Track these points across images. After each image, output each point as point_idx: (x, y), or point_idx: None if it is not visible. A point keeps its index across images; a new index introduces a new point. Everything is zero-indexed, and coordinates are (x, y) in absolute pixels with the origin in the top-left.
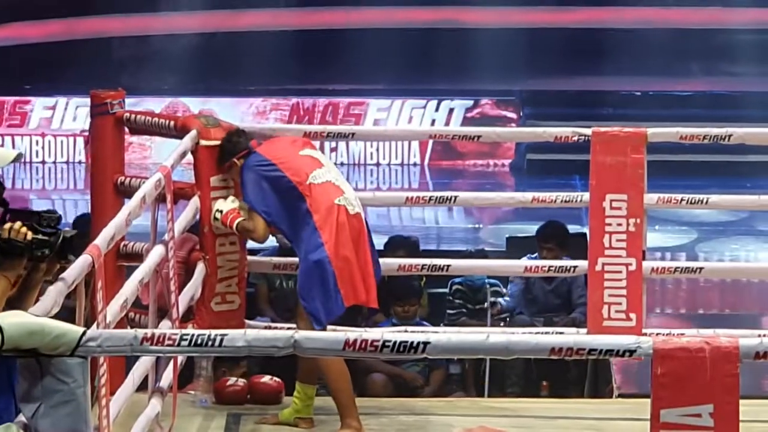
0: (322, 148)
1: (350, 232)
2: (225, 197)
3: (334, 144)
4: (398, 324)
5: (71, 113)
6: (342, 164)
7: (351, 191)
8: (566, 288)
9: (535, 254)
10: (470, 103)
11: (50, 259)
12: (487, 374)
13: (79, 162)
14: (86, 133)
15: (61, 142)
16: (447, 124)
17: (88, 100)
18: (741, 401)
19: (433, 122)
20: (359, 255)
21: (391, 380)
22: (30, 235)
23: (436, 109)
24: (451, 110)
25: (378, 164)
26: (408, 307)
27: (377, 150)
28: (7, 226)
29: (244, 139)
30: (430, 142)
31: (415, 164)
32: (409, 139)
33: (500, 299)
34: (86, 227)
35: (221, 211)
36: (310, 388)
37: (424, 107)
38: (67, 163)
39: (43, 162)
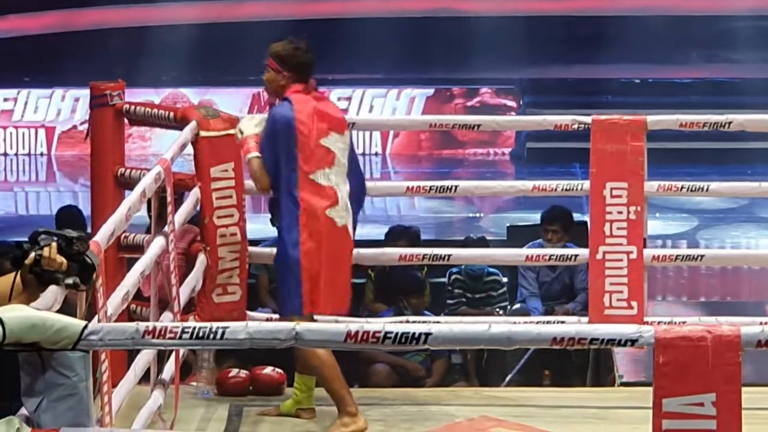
0: None
1: (330, 245)
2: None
3: None
4: (405, 314)
5: (32, 105)
6: None
7: (346, 196)
8: (570, 274)
9: (537, 241)
10: (431, 91)
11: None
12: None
13: (41, 154)
14: (86, 125)
15: (23, 134)
16: (408, 113)
17: (49, 92)
18: (744, 389)
19: (393, 111)
20: (335, 267)
21: (393, 370)
22: (65, 265)
23: (397, 98)
24: (413, 98)
25: None
26: (423, 299)
27: None
28: (46, 253)
29: (307, 71)
30: (391, 132)
31: (376, 154)
32: (408, 129)
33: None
34: (70, 220)
35: (242, 132)
36: (310, 379)
37: (385, 96)
38: (28, 155)
39: (5, 154)
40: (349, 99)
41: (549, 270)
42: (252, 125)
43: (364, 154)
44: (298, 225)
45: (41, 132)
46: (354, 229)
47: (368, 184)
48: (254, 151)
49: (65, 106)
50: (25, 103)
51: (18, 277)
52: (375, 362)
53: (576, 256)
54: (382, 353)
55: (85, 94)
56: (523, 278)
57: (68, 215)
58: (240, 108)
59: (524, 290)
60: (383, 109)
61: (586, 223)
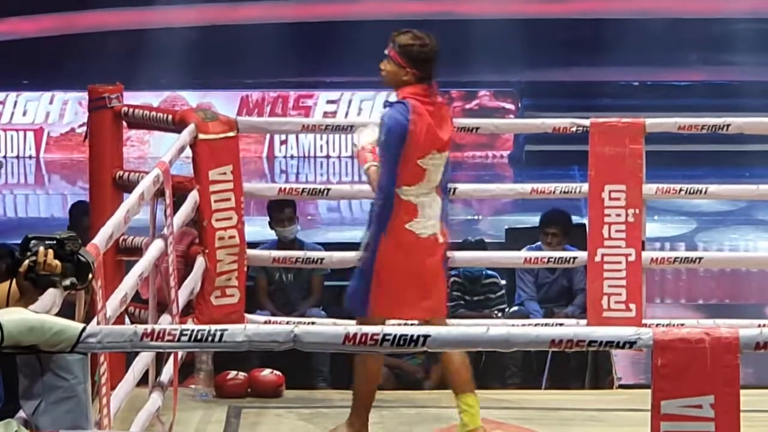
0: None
1: (410, 255)
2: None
3: (284, 136)
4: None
5: (21, 108)
6: (292, 157)
7: (431, 209)
8: (568, 277)
9: (536, 244)
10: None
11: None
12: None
13: (30, 157)
14: (84, 128)
15: (11, 136)
16: None
17: (38, 95)
18: (743, 391)
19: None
20: (418, 276)
21: (391, 372)
22: (60, 268)
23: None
24: None
25: (328, 156)
26: None
27: (327, 143)
28: (41, 258)
29: (432, 70)
30: None
31: (350, 157)
32: None
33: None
34: (81, 216)
35: (356, 144)
36: (469, 396)
37: (373, 99)
38: (17, 158)
39: None
40: (336, 102)
41: (548, 272)
42: (364, 136)
43: (340, 157)
44: (382, 232)
45: (30, 135)
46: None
47: (365, 186)
48: (369, 161)
49: (54, 109)
50: (14, 106)
51: (14, 285)
52: (394, 368)
53: (574, 258)
54: (402, 360)
55: (74, 97)
56: (521, 281)
57: (80, 211)
58: (239, 110)
59: (522, 293)
60: (371, 112)
61: (584, 225)
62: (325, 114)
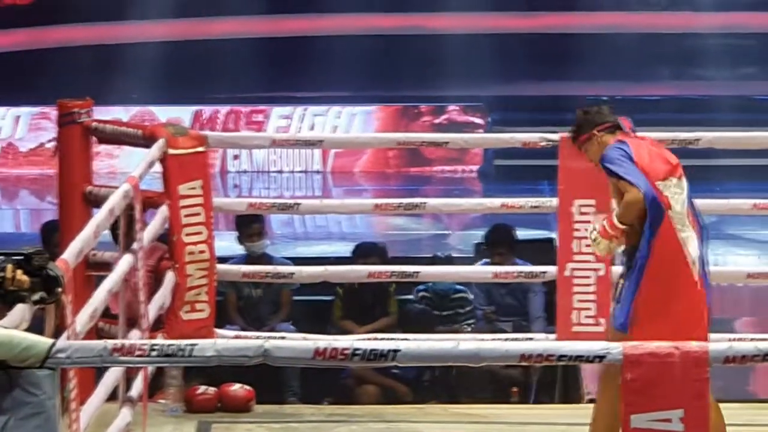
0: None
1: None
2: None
3: (237, 151)
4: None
5: None
6: (245, 172)
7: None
8: (522, 290)
9: (484, 260)
10: (371, 108)
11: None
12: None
13: None
14: (54, 143)
15: None
16: (349, 130)
17: (5, 110)
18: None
19: (334, 129)
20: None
21: (383, 392)
22: (28, 283)
23: (338, 116)
24: (353, 116)
25: (281, 171)
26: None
27: (280, 157)
28: (8, 274)
29: (608, 113)
30: (332, 151)
31: (317, 171)
32: (376, 146)
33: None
34: (52, 233)
35: (596, 229)
36: None
37: (326, 114)
38: None
39: None
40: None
41: (500, 286)
42: (598, 221)
43: (305, 172)
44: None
45: None
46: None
47: (335, 202)
48: (612, 215)
49: (6, 125)
50: None
51: None
52: (365, 383)
53: (544, 273)
54: (373, 374)
55: (26, 112)
56: (475, 295)
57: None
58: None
59: (479, 310)
60: (324, 127)
61: (552, 240)
62: (277, 129)
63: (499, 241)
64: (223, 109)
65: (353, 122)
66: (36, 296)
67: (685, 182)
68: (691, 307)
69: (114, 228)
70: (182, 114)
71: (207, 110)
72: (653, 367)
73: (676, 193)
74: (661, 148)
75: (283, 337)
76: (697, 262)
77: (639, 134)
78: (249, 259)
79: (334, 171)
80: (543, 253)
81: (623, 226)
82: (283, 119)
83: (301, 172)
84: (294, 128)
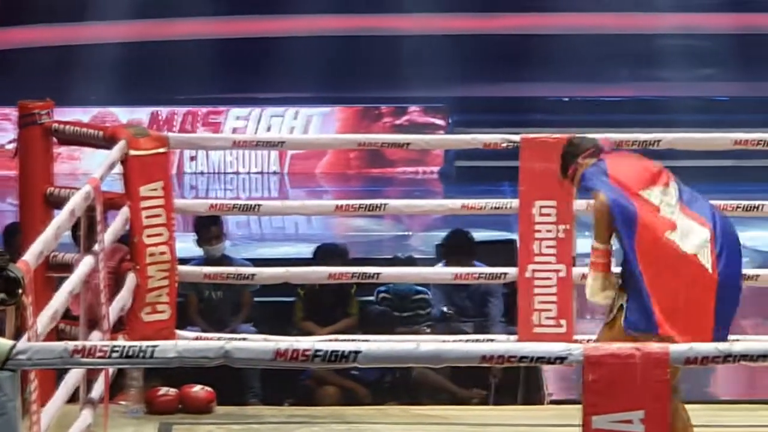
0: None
1: (674, 270)
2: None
3: (194, 153)
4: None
5: None
6: (202, 173)
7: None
8: (481, 293)
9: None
10: (327, 110)
11: None
12: None
13: None
14: (14, 144)
15: None
16: (305, 131)
17: None
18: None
19: (291, 130)
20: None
21: (343, 393)
22: None
23: (295, 117)
24: (310, 118)
25: (237, 173)
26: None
27: (236, 159)
28: None
29: (588, 140)
30: (289, 152)
31: (274, 173)
32: (337, 147)
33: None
34: (14, 236)
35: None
36: None
37: (283, 115)
38: None
39: None
40: (245, 118)
41: (460, 289)
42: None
43: (262, 173)
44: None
45: None
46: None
47: (295, 203)
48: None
49: None
50: None
51: None
52: (325, 384)
53: (505, 274)
54: (334, 375)
55: (3, 113)
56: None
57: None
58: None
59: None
60: (281, 128)
61: (513, 241)
62: (234, 130)
63: (456, 247)
64: (180, 110)
65: (311, 123)
66: None
67: (674, 188)
68: (698, 295)
69: (75, 229)
70: (141, 115)
71: (164, 111)
72: (614, 368)
73: (662, 200)
74: (643, 159)
75: (244, 339)
76: (702, 251)
77: (622, 151)
78: (209, 261)
79: (291, 172)
80: (504, 254)
81: (602, 246)
82: (239, 120)
83: (257, 173)
84: (251, 129)
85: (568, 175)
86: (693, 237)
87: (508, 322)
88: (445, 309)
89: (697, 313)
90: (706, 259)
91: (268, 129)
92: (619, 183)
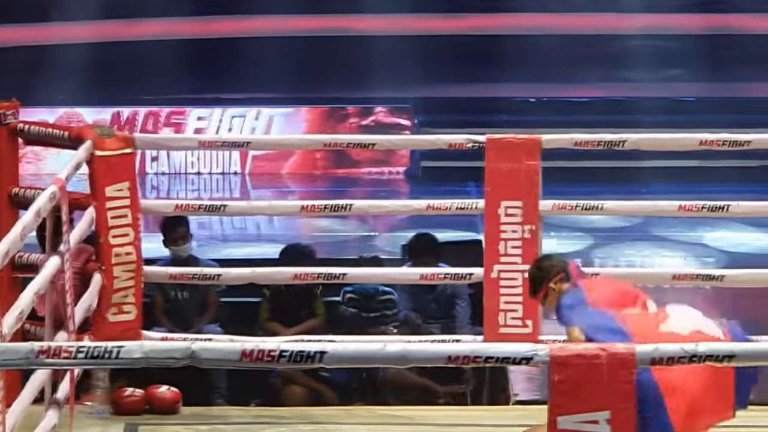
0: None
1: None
2: None
3: (155, 153)
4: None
5: None
6: (163, 173)
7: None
8: (447, 295)
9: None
10: (290, 110)
11: None
12: None
13: None
14: None
15: None
16: (267, 132)
17: None
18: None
19: (252, 130)
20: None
21: (310, 393)
22: None
23: (256, 118)
24: (271, 118)
25: (199, 173)
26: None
27: (198, 159)
28: None
29: (557, 262)
30: (250, 153)
31: (235, 173)
32: (303, 148)
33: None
34: None
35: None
36: None
37: (244, 116)
38: None
39: None
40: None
41: (426, 292)
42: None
43: (222, 174)
44: None
45: None
46: None
47: (263, 203)
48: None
49: None
50: None
51: None
52: (292, 383)
53: (471, 275)
54: (301, 375)
55: None
56: (400, 296)
57: None
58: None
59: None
60: (242, 129)
61: (479, 242)
62: (196, 131)
63: (422, 250)
64: (142, 111)
65: (272, 124)
66: None
67: (652, 305)
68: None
69: (40, 230)
70: (104, 116)
71: (126, 111)
72: (580, 369)
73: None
74: (617, 282)
75: (210, 339)
76: (701, 322)
77: (591, 276)
78: (175, 261)
79: (256, 173)
80: (470, 255)
81: None
82: (201, 121)
83: (219, 173)
84: (212, 130)
85: (537, 297)
86: (684, 313)
87: (475, 323)
88: (413, 315)
89: (717, 395)
90: (711, 328)
91: (230, 129)
92: (603, 306)
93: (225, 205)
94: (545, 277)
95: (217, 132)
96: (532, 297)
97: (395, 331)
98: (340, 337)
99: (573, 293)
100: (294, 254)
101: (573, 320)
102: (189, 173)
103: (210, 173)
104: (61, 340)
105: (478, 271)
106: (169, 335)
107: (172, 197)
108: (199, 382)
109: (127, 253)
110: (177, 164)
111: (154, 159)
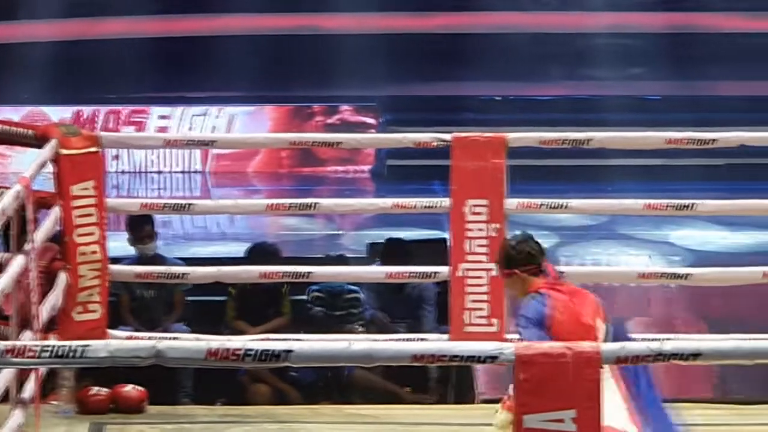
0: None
1: None
2: None
3: (116, 151)
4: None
5: None
6: (124, 172)
7: None
8: (414, 297)
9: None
10: (252, 109)
11: None
12: None
13: None
14: None
15: None
16: (228, 130)
17: None
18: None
19: (213, 129)
20: None
21: (274, 393)
22: None
23: (217, 116)
24: (233, 117)
25: (160, 172)
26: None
27: (158, 157)
28: None
29: (537, 253)
30: (211, 150)
31: (196, 171)
32: (269, 146)
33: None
34: None
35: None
36: None
37: (205, 114)
38: None
39: None
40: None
41: (394, 292)
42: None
43: (184, 172)
44: None
45: None
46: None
47: (228, 202)
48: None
49: None
50: None
51: None
52: (258, 381)
53: (436, 273)
54: (268, 374)
55: None
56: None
57: None
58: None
59: (370, 310)
60: (202, 127)
61: (445, 240)
62: (158, 129)
63: (392, 256)
64: (103, 109)
65: (234, 122)
66: None
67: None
68: None
69: (6, 229)
70: (66, 114)
71: (87, 110)
72: (546, 368)
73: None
74: (583, 314)
75: (176, 338)
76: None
77: (561, 279)
78: (141, 260)
79: (220, 171)
80: (435, 253)
81: None
82: (163, 119)
83: (180, 172)
84: (174, 128)
85: (501, 273)
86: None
87: (440, 321)
88: (380, 315)
89: None
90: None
91: (190, 128)
92: (559, 336)
93: (191, 204)
94: (515, 262)
95: (177, 130)
96: (497, 269)
97: (362, 329)
98: (306, 336)
99: (537, 305)
100: (260, 253)
101: (524, 334)
102: (150, 172)
103: (171, 172)
104: (27, 339)
105: (443, 270)
106: (135, 334)
107: (133, 195)
108: (165, 381)
109: (93, 252)
110: (138, 163)
111: (115, 158)
